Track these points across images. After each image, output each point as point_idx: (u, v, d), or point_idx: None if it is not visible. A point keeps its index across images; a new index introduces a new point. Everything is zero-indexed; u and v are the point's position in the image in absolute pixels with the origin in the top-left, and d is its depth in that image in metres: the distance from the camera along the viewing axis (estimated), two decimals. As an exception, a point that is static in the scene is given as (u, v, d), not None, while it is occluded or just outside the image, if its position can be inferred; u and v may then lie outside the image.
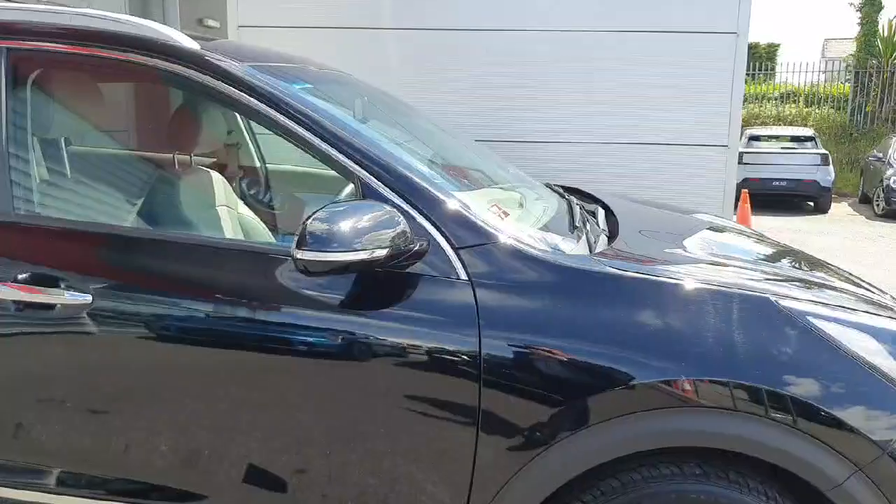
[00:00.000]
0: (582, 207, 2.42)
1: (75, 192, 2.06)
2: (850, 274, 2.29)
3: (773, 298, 1.63)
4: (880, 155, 12.28)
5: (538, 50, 5.02)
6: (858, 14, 17.21)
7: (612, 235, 2.10)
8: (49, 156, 1.97)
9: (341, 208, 1.55)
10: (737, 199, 5.74)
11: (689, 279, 1.68)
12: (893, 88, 16.18)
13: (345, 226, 1.50)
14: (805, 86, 18.03)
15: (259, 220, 2.60)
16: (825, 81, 18.54)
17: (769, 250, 2.41)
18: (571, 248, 1.82)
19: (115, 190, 2.23)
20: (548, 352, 1.55)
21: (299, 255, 1.50)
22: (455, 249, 1.63)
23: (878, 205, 11.52)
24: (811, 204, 11.96)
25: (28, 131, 1.88)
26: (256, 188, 2.97)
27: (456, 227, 1.65)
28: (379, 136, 1.97)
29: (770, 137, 12.47)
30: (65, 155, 2.04)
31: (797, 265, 2.27)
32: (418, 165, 1.87)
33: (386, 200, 1.64)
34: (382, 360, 1.60)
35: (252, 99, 1.73)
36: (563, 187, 2.85)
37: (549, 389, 1.55)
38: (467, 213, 1.69)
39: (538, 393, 1.56)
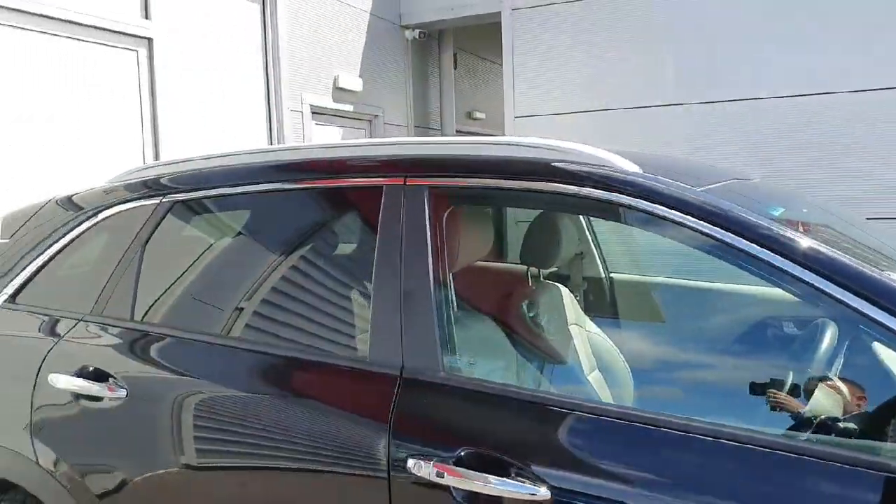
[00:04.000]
0: None
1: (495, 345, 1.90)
2: None
3: None
4: None
5: (829, 113, 4.58)
6: None
7: None
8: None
9: None
10: None
11: None
12: None
13: None
14: None
15: (611, 341, 2.31)
16: None
17: None
18: None
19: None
20: None
21: None
22: None
23: None
24: None
25: (449, 279, 1.69)
26: (602, 302, 2.70)
27: None
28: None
29: None
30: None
31: None
32: None
33: None
34: None
35: (745, 241, 1.35)
36: None
37: None
38: None
39: None
